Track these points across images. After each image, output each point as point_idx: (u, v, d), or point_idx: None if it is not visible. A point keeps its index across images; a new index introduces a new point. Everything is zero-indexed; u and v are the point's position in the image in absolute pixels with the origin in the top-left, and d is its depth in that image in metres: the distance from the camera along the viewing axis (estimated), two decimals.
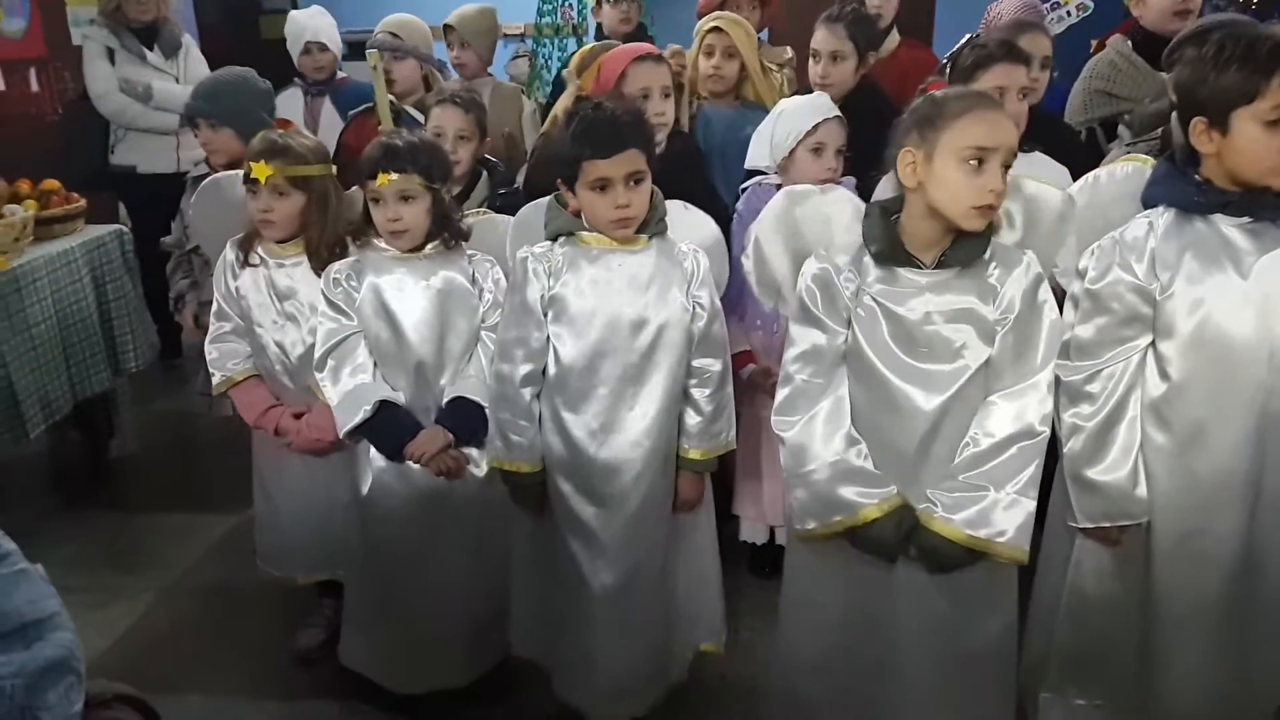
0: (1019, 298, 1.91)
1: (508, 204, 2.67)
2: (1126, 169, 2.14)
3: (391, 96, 3.13)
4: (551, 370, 2.23)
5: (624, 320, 2.17)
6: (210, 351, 2.68)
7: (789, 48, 3.72)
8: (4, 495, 3.93)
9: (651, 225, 2.22)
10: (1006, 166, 1.85)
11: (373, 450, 2.40)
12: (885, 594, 2.03)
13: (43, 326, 3.43)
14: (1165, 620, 2.04)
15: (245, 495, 2.88)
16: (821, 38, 3.13)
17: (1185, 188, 1.93)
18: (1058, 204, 2.02)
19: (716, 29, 3.25)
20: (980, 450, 1.91)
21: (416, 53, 3.69)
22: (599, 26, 4.32)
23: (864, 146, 2.70)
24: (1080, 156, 2.66)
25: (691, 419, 2.28)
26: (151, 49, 4.63)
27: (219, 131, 3.02)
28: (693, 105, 3.24)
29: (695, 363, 2.26)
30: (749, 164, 2.88)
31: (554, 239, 2.25)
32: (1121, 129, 3.02)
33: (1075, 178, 2.26)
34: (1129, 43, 3.22)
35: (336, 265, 2.45)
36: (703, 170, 3.06)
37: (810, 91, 3.03)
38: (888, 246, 1.96)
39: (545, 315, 2.21)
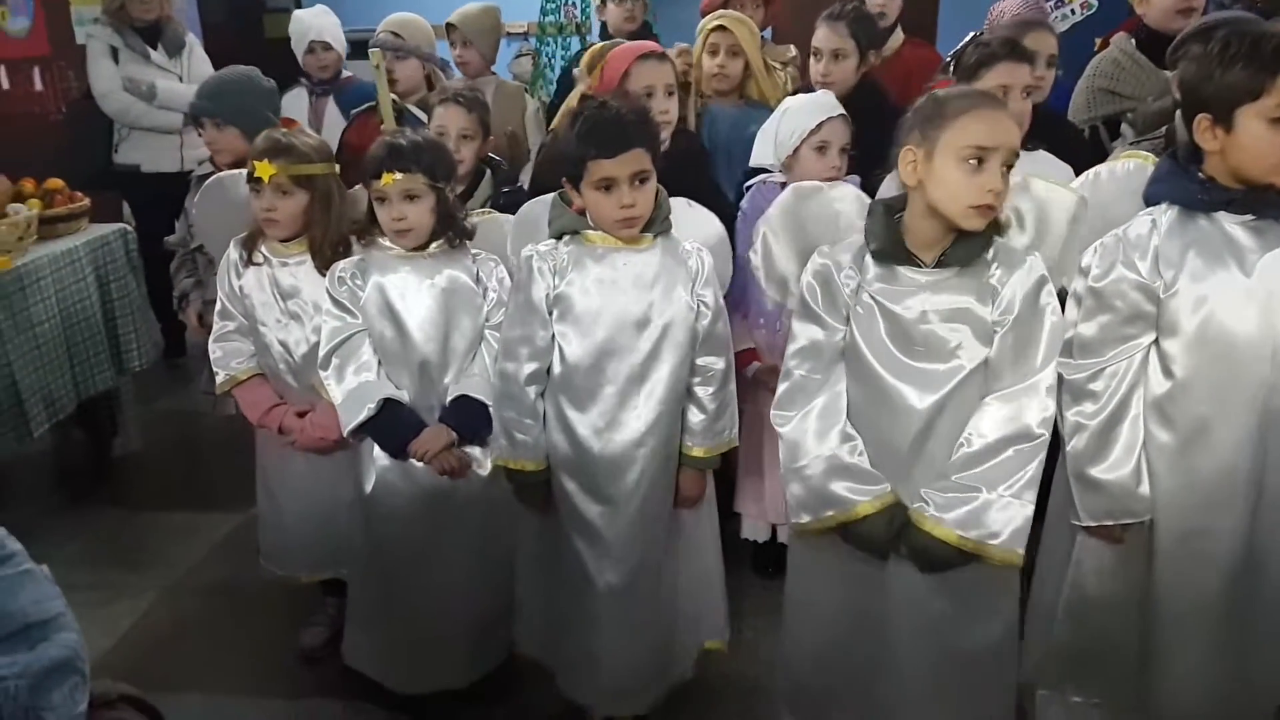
0: (1019, 299, 1.90)
1: (511, 203, 2.67)
2: (1128, 166, 2.14)
3: (394, 95, 3.13)
4: (557, 369, 2.23)
5: (630, 319, 2.17)
6: (214, 350, 2.68)
7: (792, 46, 3.72)
8: (8, 493, 3.95)
9: (657, 224, 2.22)
10: (1008, 167, 1.85)
11: (376, 449, 2.40)
12: (880, 592, 2.03)
13: (46, 325, 3.43)
14: (1166, 618, 2.03)
15: (249, 494, 2.88)
16: (823, 36, 3.12)
17: (1188, 185, 1.93)
18: (1070, 206, 2.01)
19: (720, 27, 3.25)
20: (973, 451, 1.91)
21: (419, 52, 3.69)
22: (604, 25, 4.31)
23: (864, 145, 2.71)
24: (1084, 155, 2.66)
25: (695, 417, 2.28)
26: (155, 48, 4.64)
27: (224, 131, 3.02)
28: (698, 104, 3.24)
29: (699, 361, 2.26)
30: (754, 162, 2.88)
31: (558, 237, 2.25)
32: (1125, 127, 3.02)
33: (1079, 176, 2.26)
34: (1132, 41, 3.21)
35: (342, 264, 2.45)
36: (707, 169, 3.05)
37: (814, 90, 3.03)
38: (888, 244, 1.96)
39: (550, 314, 2.21)
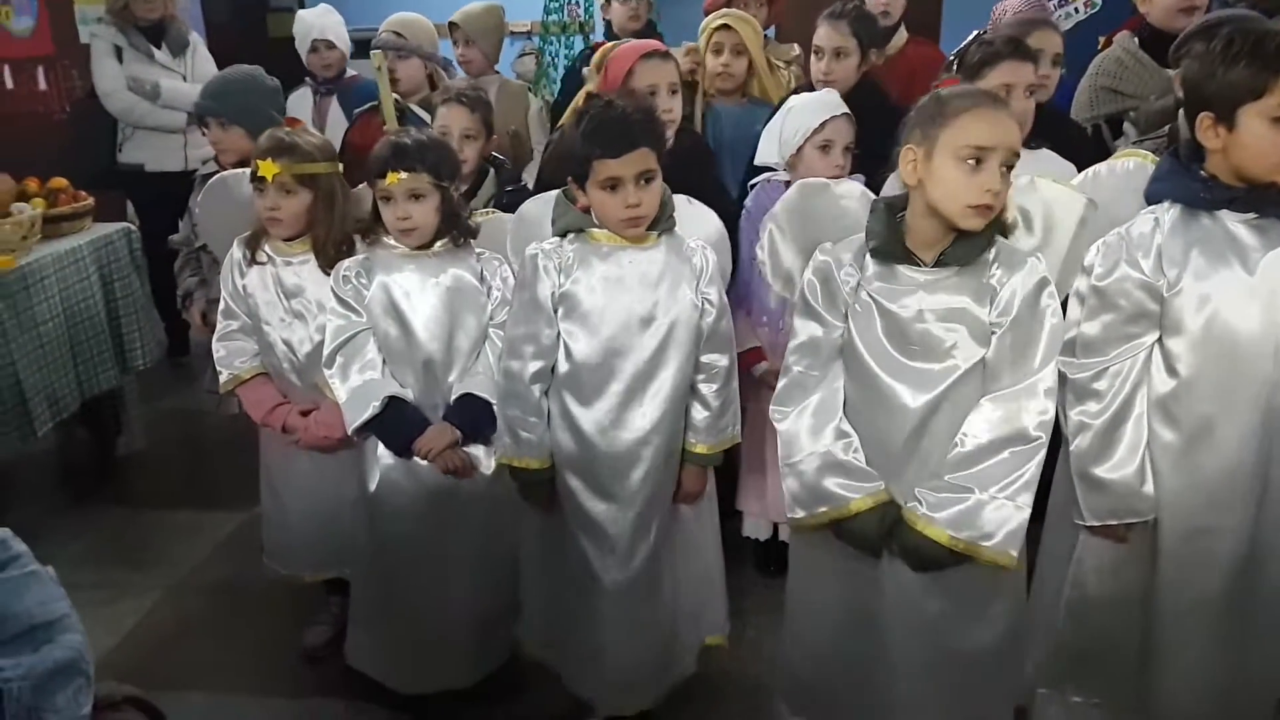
0: (1019, 300, 1.89)
1: (514, 202, 2.67)
2: (1128, 164, 2.13)
3: (396, 95, 3.14)
4: (562, 366, 2.23)
5: (636, 317, 2.17)
6: (217, 349, 2.68)
7: (796, 44, 3.72)
8: (12, 493, 3.95)
9: (661, 222, 2.22)
10: (1008, 167, 1.84)
11: (380, 447, 2.40)
12: (877, 590, 2.03)
13: (50, 324, 3.44)
14: (1167, 616, 2.03)
15: (252, 493, 2.88)
16: (824, 34, 3.12)
17: (1191, 183, 1.93)
18: (1079, 209, 2.00)
19: (724, 26, 3.25)
20: (966, 451, 1.91)
21: (421, 51, 3.69)
22: (608, 24, 4.32)
23: (864, 143, 2.71)
24: (1088, 154, 2.65)
25: (699, 414, 2.28)
26: (159, 47, 4.65)
27: (229, 130, 3.02)
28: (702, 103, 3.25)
29: (703, 358, 2.26)
30: (758, 160, 2.88)
31: (563, 235, 2.25)
32: (1127, 126, 3.01)
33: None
34: (1135, 39, 3.21)
35: (346, 262, 2.45)
36: (711, 167, 3.05)
37: (816, 88, 3.03)
38: (888, 243, 1.96)
39: (556, 312, 2.21)
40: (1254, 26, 1.98)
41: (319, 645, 2.87)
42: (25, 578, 1.18)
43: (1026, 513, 1.90)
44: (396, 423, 2.37)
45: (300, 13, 4.10)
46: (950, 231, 1.91)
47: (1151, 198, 2.00)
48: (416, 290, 2.39)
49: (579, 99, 2.94)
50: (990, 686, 2.05)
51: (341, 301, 2.42)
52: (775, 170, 2.82)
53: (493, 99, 3.15)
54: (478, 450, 2.42)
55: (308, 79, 4.05)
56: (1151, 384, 1.98)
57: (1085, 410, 1.99)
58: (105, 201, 4.13)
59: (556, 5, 6.45)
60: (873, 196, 2.15)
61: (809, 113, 2.73)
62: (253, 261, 2.62)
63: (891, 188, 2.21)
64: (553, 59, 6.36)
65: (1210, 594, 1.98)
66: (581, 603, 2.30)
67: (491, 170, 2.89)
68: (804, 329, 2.07)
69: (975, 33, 2.79)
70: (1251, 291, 1.86)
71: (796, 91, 3.12)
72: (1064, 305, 2.00)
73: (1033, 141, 2.46)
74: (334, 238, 2.55)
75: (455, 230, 2.43)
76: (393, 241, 2.42)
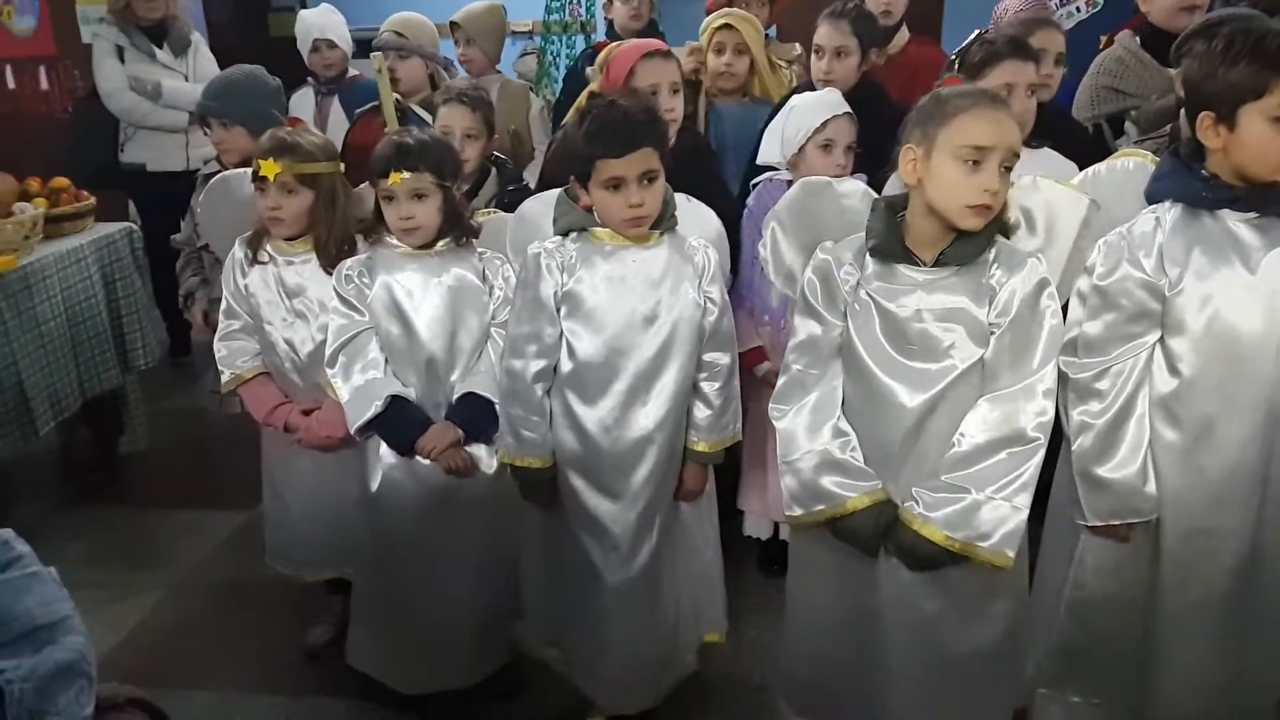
0: (1018, 301, 1.89)
1: (516, 201, 2.67)
2: (1128, 164, 2.13)
3: (398, 95, 3.14)
4: (565, 366, 2.23)
5: (639, 316, 2.18)
6: (219, 349, 2.68)
7: (797, 44, 3.72)
8: (14, 492, 3.95)
9: (664, 221, 2.23)
10: (1008, 167, 1.84)
11: (382, 447, 2.40)
12: (874, 589, 2.03)
13: (52, 324, 3.43)
14: (1168, 616, 2.03)
15: (254, 492, 2.88)
16: (825, 33, 3.12)
17: (1192, 182, 1.92)
18: (1082, 210, 1.99)
19: (726, 26, 3.25)
20: (962, 452, 1.91)
21: (422, 51, 3.69)
22: (609, 23, 4.32)
23: (864, 143, 2.71)
24: (1090, 153, 2.65)
25: (701, 412, 2.28)
26: (161, 47, 4.66)
27: (231, 130, 3.03)
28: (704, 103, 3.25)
29: (705, 356, 2.26)
30: (760, 160, 2.88)
31: (565, 234, 2.25)
32: (1128, 125, 3.01)
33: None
34: (1137, 38, 3.21)
35: (349, 262, 2.45)
36: (712, 166, 3.05)
37: (816, 88, 3.03)
38: (888, 242, 1.96)
39: (558, 311, 2.21)
40: (1255, 26, 1.97)
41: (321, 644, 2.87)
42: (27, 579, 1.18)
43: (1024, 513, 1.89)
44: (399, 422, 2.37)
45: (302, 12, 4.11)
46: (950, 231, 1.90)
47: (1152, 197, 1.99)
48: (419, 290, 2.39)
49: (582, 99, 2.94)
50: (990, 686, 2.05)
51: (344, 301, 2.42)
52: (777, 169, 2.82)
53: (494, 99, 3.15)
54: (479, 449, 2.42)
55: (309, 79, 4.06)
56: (1153, 384, 1.98)
57: (1087, 410, 1.99)
58: (107, 201, 4.13)
59: (558, 5, 6.44)
60: (874, 196, 2.15)
61: (811, 112, 2.73)
62: (254, 261, 2.62)
63: (893, 187, 2.21)
64: (554, 59, 6.35)
65: (1212, 594, 1.98)
66: (583, 602, 2.30)
67: (493, 170, 2.89)
68: (803, 328, 2.07)
69: (977, 32, 2.79)
70: (1253, 291, 1.86)
71: (798, 91, 3.12)
72: (1065, 307, 2.00)
73: (1034, 141, 2.46)
74: (335, 237, 2.55)
75: (457, 230, 2.43)
76: (395, 241, 2.42)
